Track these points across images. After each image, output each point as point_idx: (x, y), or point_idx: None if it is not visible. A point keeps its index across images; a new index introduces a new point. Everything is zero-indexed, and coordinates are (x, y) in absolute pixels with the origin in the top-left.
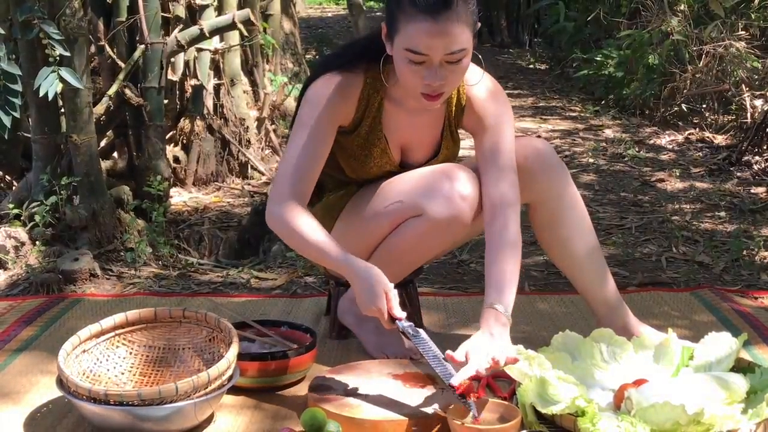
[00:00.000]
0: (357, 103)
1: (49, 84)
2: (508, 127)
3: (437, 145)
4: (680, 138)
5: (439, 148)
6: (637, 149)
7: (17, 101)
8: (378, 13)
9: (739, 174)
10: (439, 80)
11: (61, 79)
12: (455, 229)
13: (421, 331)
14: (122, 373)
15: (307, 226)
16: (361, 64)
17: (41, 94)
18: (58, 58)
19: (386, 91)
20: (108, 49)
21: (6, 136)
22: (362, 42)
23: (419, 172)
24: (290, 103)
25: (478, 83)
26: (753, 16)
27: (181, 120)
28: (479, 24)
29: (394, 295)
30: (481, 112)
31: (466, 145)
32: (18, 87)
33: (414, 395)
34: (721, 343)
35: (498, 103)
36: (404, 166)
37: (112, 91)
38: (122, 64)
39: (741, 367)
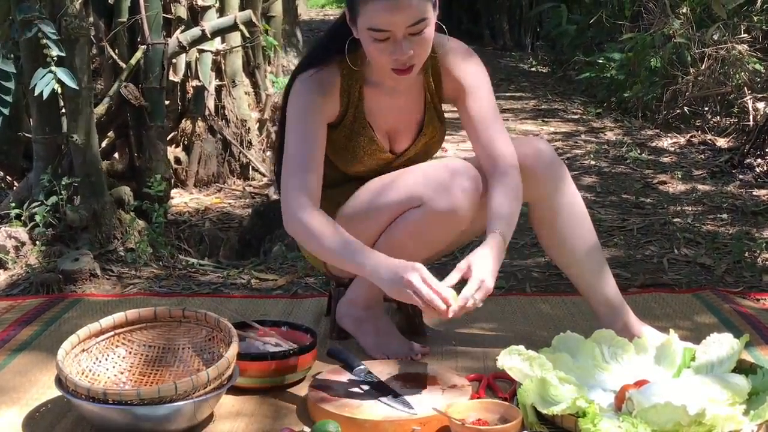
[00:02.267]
0: (339, 97)
1: (45, 84)
2: (486, 87)
3: (422, 123)
4: (682, 140)
5: (421, 130)
6: (638, 151)
7: (9, 99)
8: None
9: (741, 176)
10: (406, 53)
11: (58, 80)
12: (454, 222)
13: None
14: (121, 373)
15: (322, 229)
16: (332, 57)
17: (36, 93)
18: (54, 58)
19: (363, 77)
20: (109, 49)
21: None
22: (327, 35)
23: (421, 166)
24: None
25: (450, 49)
26: (755, 18)
27: (183, 121)
28: None
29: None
30: (457, 74)
31: (467, 146)
32: (11, 85)
33: (414, 395)
34: (722, 345)
35: (472, 62)
36: (394, 152)
37: (113, 91)
38: (123, 65)
39: (743, 368)
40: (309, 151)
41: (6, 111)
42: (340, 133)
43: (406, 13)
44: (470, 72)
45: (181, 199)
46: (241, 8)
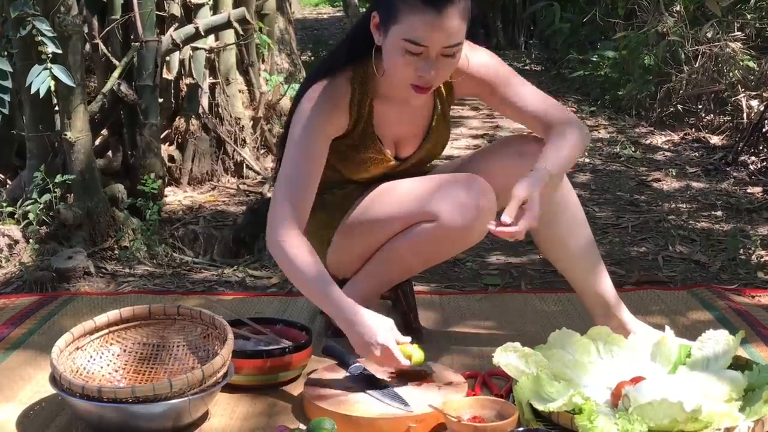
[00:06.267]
0: (348, 110)
1: (41, 81)
2: (507, 70)
3: (428, 128)
4: (676, 138)
5: (427, 135)
6: (632, 149)
7: (7, 98)
8: None
9: (735, 174)
10: (433, 72)
11: (53, 77)
12: (466, 240)
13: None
14: (116, 371)
15: (302, 261)
16: (345, 70)
17: (32, 91)
18: (50, 55)
19: (374, 90)
20: (102, 47)
21: None
22: (343, 47)
23: (437, 179)
24: (285, 103)
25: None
26: (749, 16)
27: (176, 119)
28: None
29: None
30: (472, 71)
31: (462, 145)
32: (8, 83)
33: (410, 392)
34: (718, 341)
35: (481, 54)
36: (398, 159)
37: (106, 89)
38: (117, 63)
39: (739, 364)
40: (304, 173)
41: (6, 110)
42: (347, 145)
43: (448, 32)
44: (488, 65)
45: (175, 197)
46: (235, 6)
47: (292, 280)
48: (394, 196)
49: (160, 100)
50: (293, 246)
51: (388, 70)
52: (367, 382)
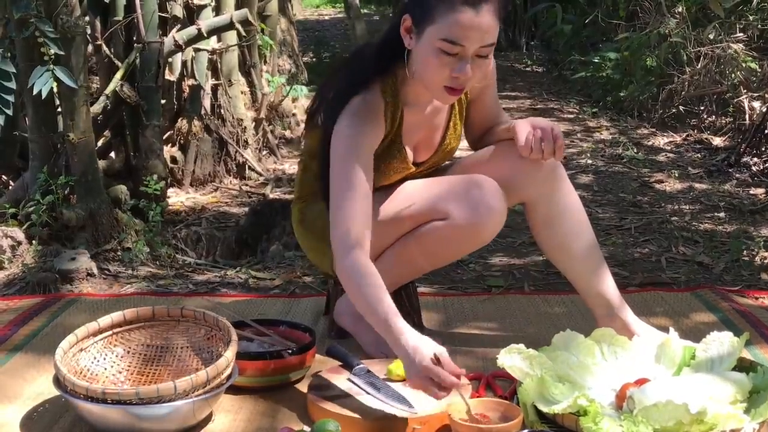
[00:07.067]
0: (384, 125)
1: (43, 83)
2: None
3: (445, 131)
4: (678, 139)
5: (444, 138)
6: (635, 150)
7: (11, 99)
8: (375, 17)
9: (737, 175)
10: (469, 73)
11: (56, 78)
12: (476, 238)
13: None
14: (120, 372)
15: (367, 288)
16: (375, 82)
17: (35, 92)
18: (53, 56)
19: (403, 99)
20: (105, 48)
21: None
22: (370, 59)
23: (449, 179)
24: (287, 105)
25: None
26: (751, 17)
27: (179, 120)
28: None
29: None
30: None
31: (464, 146)
32: (12, 85)
33: (414, 394)
34: (722, 343)
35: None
36: (416, 163)
37: (109, 90)
38: (119, 64)
39: (743, 366)
40: (359, 195)
41: (9, 111)
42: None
43: (485, 32)
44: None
45: (178, 199)
46: (237, 7)
47: (357, 306)
48: (404, 197)
49: (163, 102)
50: (355, 268)
51: (421, 72)
52: (371, 384)
